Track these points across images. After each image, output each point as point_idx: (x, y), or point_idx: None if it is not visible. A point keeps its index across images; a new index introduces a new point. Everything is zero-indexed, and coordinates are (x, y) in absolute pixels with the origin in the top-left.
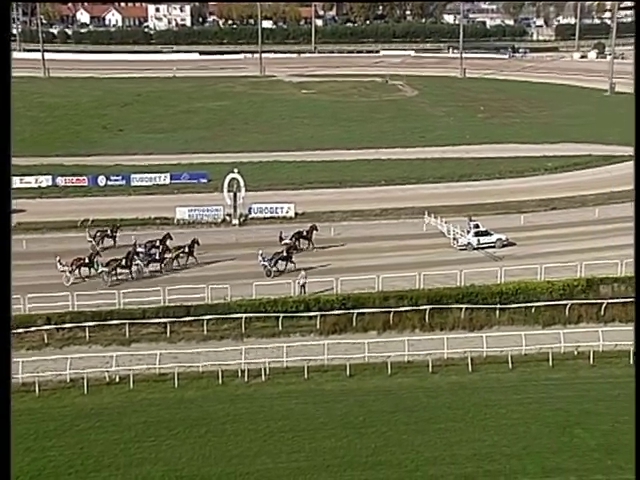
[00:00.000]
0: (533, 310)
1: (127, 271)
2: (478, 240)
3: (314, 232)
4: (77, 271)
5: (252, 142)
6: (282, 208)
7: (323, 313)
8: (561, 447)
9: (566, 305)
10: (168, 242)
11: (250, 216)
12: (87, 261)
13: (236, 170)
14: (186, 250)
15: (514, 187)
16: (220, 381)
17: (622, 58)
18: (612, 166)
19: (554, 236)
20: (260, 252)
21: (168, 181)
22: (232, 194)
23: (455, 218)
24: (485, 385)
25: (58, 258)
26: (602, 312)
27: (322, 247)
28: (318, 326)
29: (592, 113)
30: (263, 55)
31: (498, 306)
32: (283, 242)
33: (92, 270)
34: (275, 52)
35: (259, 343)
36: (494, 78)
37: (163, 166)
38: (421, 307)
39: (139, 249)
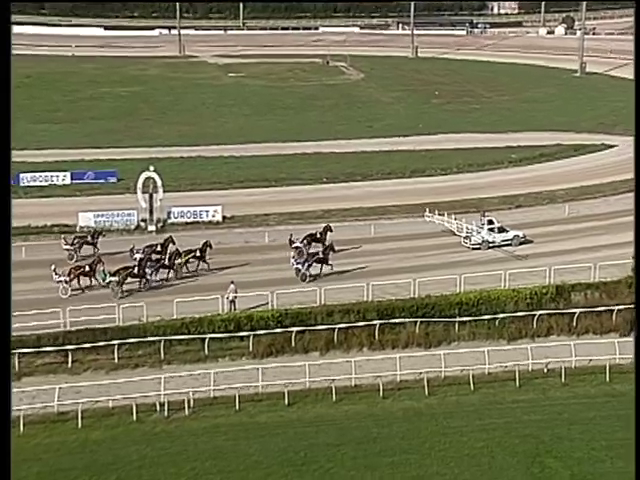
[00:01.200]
0: (497, 322)
1: (138, 280)
2: (493, 237)
3: (328, 233)
4: (75, 281)
5: (170, 134)
6: (207, 211)
7: (257, 332)
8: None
9: (534, 316)
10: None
11: (169, 221)
12: (88, 269)
13: (152, 168)
14: (197, 254)
15: (474, 183)
16: (134, 417)
17: (593, 34)
18: (584, 157)
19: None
20: (292, 253)
21: (68, 181)
22: (147, 196)
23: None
24: (444, 410)
25: (53, 267)
26: (574, 323)
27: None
28: (251, 348)
29: (560, 97)
30: (182, 32)
31: (457, 319)
32: (294, 245)
33: (94, 279)
34: (196, 28)
35: (181, 370)
36: (450, 58)
37: (61, 163)
38: (370, 322)
39: (137, 255)
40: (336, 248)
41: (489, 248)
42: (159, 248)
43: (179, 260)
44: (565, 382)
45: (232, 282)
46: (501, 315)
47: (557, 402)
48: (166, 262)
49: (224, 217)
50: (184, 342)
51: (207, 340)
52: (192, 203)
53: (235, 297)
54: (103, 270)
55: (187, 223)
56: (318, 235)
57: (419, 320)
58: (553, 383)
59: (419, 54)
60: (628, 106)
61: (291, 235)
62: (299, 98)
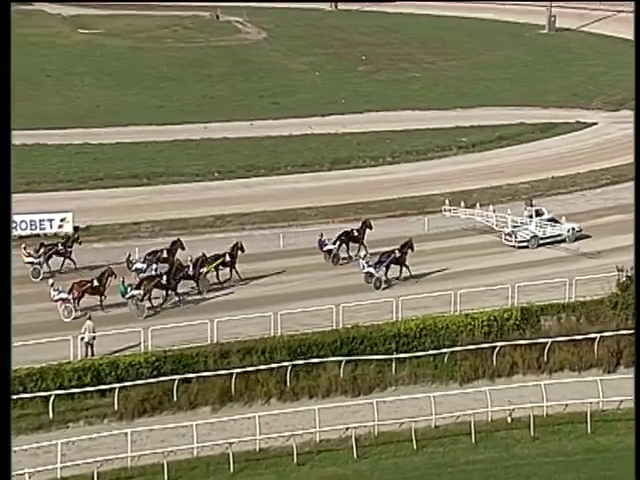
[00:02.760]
0: (446, 359)
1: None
2: (544, 232)
3: (367, 231)
4: (79, 300)
5: None
6: (51, 221)
7: (124, 384)
8: None
9: (494, 349)
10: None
11: None
12: (96, 284)
13: None
14: (227, 259)
15: (414, 175)
16: None
17: None
18: (554, 139)
19: (472, 246)
20: (362, 254)
21: None
22: None
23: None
24: (378, 477)
25: (51, 282)
26: (545, 357)
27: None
28: (117, 406)
29: (524, 61)
30: None
31: (394, 356)
32: (325, 249)
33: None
34: None
35: (14, 443)
36: (380, 11)
37: None
38: (280, 364)
39: (137, 265)
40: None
41: (539, 245)
42: (165, 254)
43: (205, 268)
44: (535, 435)
45: (89, 317)
46: (452, 349)
47: (525, 461)
48: (189, 272)
49: (76, 228)
50: (20, 403)
51: (53, 398)
52: (28, 209)
53: (93, 338)
54: (123, 282)
55: (21, 237)
56: (355, 232)
57: (344, 359)
58: (519, 437)
59: (339, 6)
60: (609, 72)
61: (321, 235)
62: (179, 65)
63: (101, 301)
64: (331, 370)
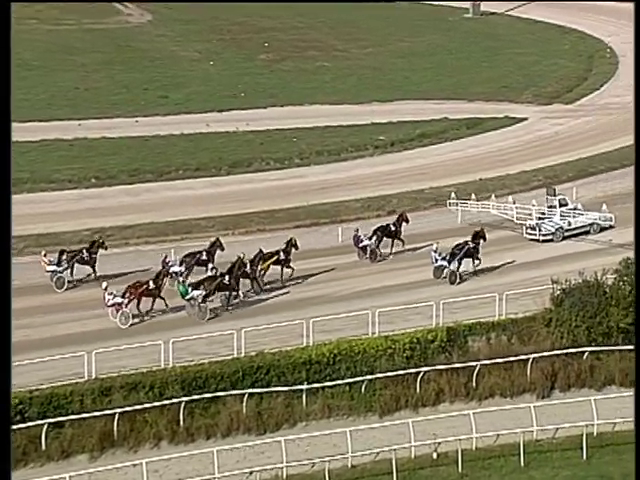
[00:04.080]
0: (363, 388)
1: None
2: (569, 223)
3: (403, 224)
4: (135, 304)
5: None
6: None
7: None
8: None
9: (417, 375)
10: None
11: None
12: (152, 287)
13: None
14: (281, 257)
15: (325, 179)
16: None
17: None
18: (481, 136)
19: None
20: (434, 247)
21: None
22: None
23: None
24: None
25: (105, 286)
26: (474, 383)
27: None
28: None
29: (447, 48)
30: None
31: (305, 386)
32: (362, 245)
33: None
34: None
35: None
36: None
37: None
38: (172, 400)
39: (175, 268)
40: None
41: (564, 238)
42: (204, 256)
43: (260, 266)
44: (463, 472)
45: None
46: (369, 377)
47: None
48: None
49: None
50: None
51: None
52: None
53: None
54: (183, 282)
55: None
56: (392, 227)
57: (247, 392)
58: (446, 474)
59: None
60: (540, 61)
61: (357, 230)
62: (46, 51)
63: (152, 305)
64: (232, 405)
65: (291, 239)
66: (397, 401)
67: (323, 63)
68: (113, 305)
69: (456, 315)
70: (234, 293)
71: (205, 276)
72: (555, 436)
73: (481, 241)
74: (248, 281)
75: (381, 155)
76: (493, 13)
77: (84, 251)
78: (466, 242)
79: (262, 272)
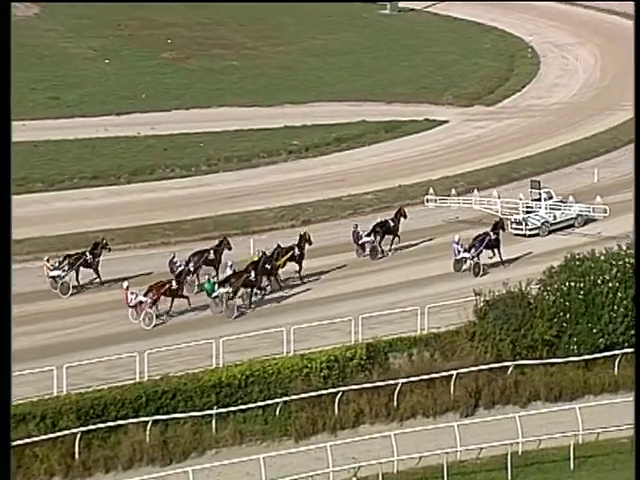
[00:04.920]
0: (278, 411)
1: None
2: (554, 216)
3: (402, 220)
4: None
5: None
6: None
7: None
8: None
9: (335, 396)
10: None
11: None
12: (175, 286)
13: None
14: (296, 253)
15: (235, 187)
16: None
17: None
18: (400, 140)
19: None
20: (456, 238)
21: None
22: None
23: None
24: None
25: (126, 285)
26: (395, 403)
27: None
28: None
29: (363, 47)
30: None
31: (215, 411)
32: (362, 241)
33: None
34: None
35: None
36: None
37: None
38: (67, 431)
39: (181, 267)
40: None
41: (549, 233)
42: (212, 255)
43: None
44: None
45: None
46: (284, 399)
47: None
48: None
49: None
50: None
51: None
52: None
53: None
54: (209, 279)
55: None
56: (391, 223)
57: (151, 419)
58: None
59: None
60: (460, 61)
61: (356, 226)
62: None
63: (171, 305)
64: (134, 434)
65: (305, 233)
66: (314, 424)
67: (231, 62)
68: (135, 305)
69: (376, 330)
70: (256, 290)
71: (229, 274)
72: (479, 456)
73: (500, 231)
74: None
75: (295, 161)
76: (412, 10)
77: (87, 253)
78: (486, 233)
79: (278, 269)
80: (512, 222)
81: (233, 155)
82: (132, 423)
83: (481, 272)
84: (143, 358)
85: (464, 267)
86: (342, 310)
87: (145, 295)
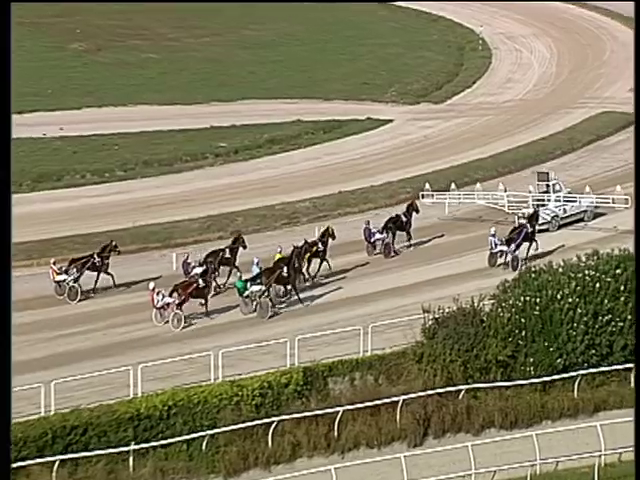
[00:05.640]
0: (205, 445)
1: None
2: (564, 210)
3: (414, 214)
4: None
5: None
6: None
7: None
8: None
9: (269, 426)
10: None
11: None
12: (202, 285)
13: None
14: (319, 249)
15: (155, 195)
16: None
17: None
18: (340, 141)
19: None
20: (492, 231)
21: None
22: None
23: None
24: None
25: (153, 286)
26: (335, 433)
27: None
28: None
29: (299, 38)
30: None
31: (132, 447)
32: (374, 239)
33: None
34: None
35: None
36: None
37: None
38: None
39: (197, 269)
40: None
41: (559, 227)
42: (228, 254)
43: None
44: None
45: None
46: (212, 431)
47: None
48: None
49: None
50: None
51: None
52: None
53: None
54: (240, 277)
55: None
56: (403, 217)
57: (58, 459)
58: None
59: None
60: (405, 54)
61: (368, 222)
62: None
63: (207, 302)
64: (38, 476)
65: (328, 228)
66: (245, 459)
67: (150, 55)
68: (162, 307)
69: (315, 353)
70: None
71: (264, 269)
72: None
73: (536, 224)
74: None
75: (223, 165)
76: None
77: (95, 256)
78: (523, 225)
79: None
80: (520, 217)
81: (153, 159)
82: (37, 464)
83: (519, 266)
84: (49, 389)
85: (499, 261)
86: (278, 331)
87: (170, 296)
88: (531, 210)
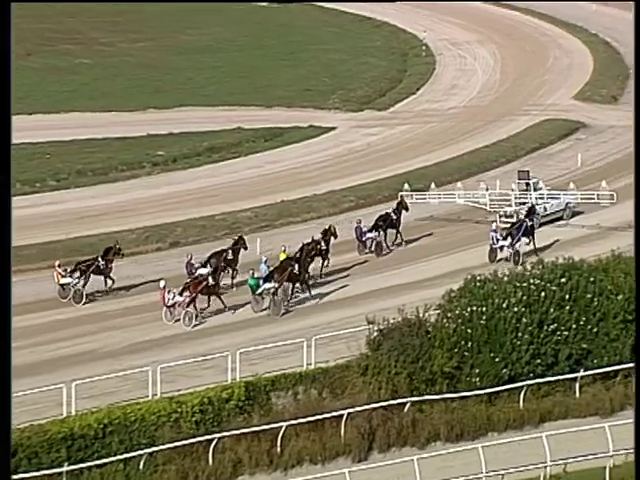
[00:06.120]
0: (142, 464)
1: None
2: (544, 208)
3: (403, 212)
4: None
5: None
6: None
7: None
8: None
9: (210, 443)
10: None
11: None
12: (211, 282)
13: None
14: (322, 247)
15: (89, 206)
16: None
17: None
18: (280, 150)
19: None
20: (494, 226)
21: None
22: None
23: None
24: None
25: (164, 284)
26: (278, 448)
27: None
28: None
29: (238, 43)
30: None
31: (65, 468)
32: (365, 238)
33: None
34: None
35: None
36: None
37: None
38: None
39: (201, 270)
40: None
41: (541, 225)
42: (230, 255)
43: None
44: None
45: None
46: (150, 449)
47: None
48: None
49: None
50: None
51: None
52: None
53: None
54: (252, 274)
55: None
56: (393, 215)
57: None
58: None
59: None
60: (348, 60)
61: (359, 221)
62: None
63: (208, 303)
64: None
65: (330, 227)
66: (185, 477)
67: (82, 60)
68: (173, 305)
69: (257, 367)
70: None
71: (275, 267)
72: None
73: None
74: None
75: (160, 174)
76: (292, 0)
77: (100, 259)
78: (523, 220)
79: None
80: (501, 216)
81: (86, 168)
82: None
83: (521, 260)
84: None
85: (499, 256)
86: (218, 345)
87: (181, 294)
88: (529, 205)
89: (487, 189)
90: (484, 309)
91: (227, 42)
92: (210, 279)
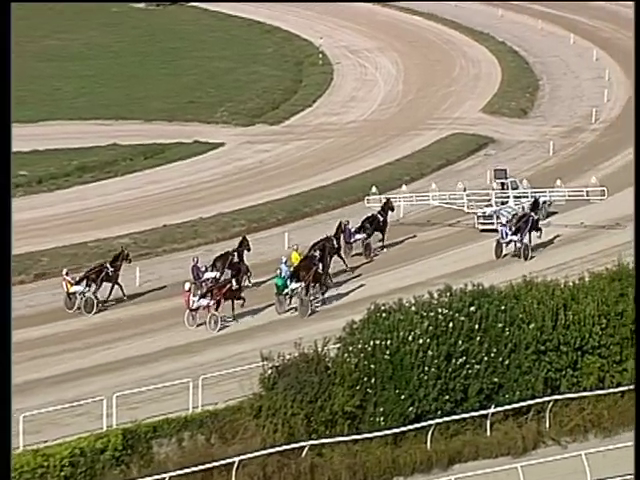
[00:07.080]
0: None
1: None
2: (523, 208)
3: (389, 212)
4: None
5: None
6: None
7: None
8: None
9: None
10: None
11: None
12: (235, 286)
13: None
14: (334, 244)
15: None
16: None
17: None
18: (162, 168)
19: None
20: (504, 221)
21: None
22: None
23: None
24: None
25: (188, 287)
26: None
27: None
28: None
29: (112, 50)
30: None
31: None
32: (353, 239)
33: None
34: None
35: None
36: None
37: None
38: None
39: (208, 274)
40: None
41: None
42: (235, 257)
43: None
44: None
45: None
46: None
47: None
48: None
49: None
50: None
51: None
52: None
53: None
54: (280, 273)
55: None
56: (379, 217)
57: None
58: None
59: None
60: (236, 69)
61: (347, 222)
62: None
63: (233, 308)
64: None
65: (340, 223)
66: None
67: None
68: (198, 308)
69: (136, 412)
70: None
71: (296, 265)
72: None
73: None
74: None
75: (23, 197)
76: (174, 2)
77: (108, 266)
78: (528, 214)
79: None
80: (480, 216)
81: None
82: None
83: (530, 255)
84: None
85: (504, 251)
86: (89, 389)
87: (203, 298)
88: (531, 199)
89: (465, 189)
90: (388, 342)
91: (100, 48)
92: (234, 282)
